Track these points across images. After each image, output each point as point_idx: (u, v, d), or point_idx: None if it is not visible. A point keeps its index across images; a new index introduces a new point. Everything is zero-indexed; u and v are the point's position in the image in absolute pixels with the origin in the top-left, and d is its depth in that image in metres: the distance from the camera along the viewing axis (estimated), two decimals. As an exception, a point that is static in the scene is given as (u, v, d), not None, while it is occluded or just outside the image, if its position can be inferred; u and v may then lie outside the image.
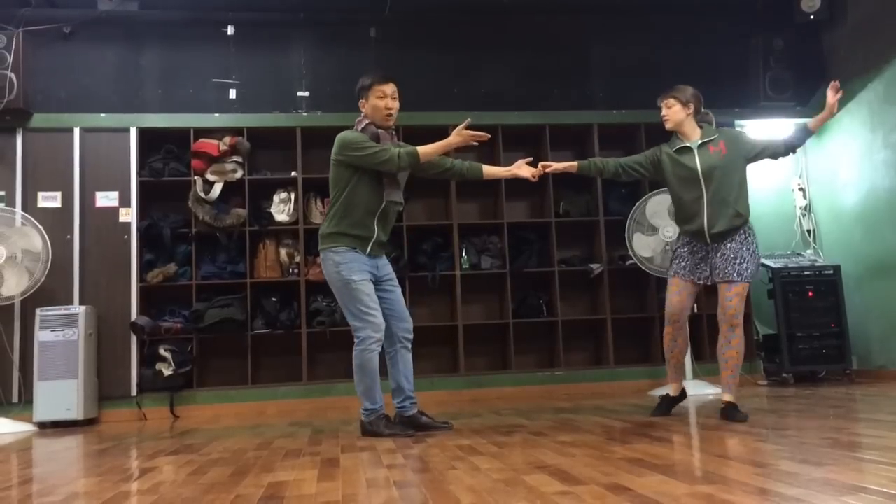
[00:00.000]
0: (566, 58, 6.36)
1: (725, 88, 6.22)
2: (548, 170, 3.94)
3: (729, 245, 3.64)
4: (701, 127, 3.80)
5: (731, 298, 3.62)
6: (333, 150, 3.67)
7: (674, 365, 3.94)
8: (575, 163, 3.99)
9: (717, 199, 3.65)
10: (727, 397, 3.66)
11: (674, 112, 3.77)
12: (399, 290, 3.80)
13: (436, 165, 3.92)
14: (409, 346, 3.79)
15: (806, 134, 3.72)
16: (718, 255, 3.67)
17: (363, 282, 3.59)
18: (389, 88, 3.68)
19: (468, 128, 3.64)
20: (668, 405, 3.92)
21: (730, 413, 3.57)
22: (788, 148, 3.75)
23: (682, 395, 3.98)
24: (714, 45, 6.39)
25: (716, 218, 3.65)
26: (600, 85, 6.36)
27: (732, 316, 3.62)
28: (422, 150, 3.62)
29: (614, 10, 6.37)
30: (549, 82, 6.32)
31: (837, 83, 3.68)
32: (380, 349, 3.62)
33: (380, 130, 3.67)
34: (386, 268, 3.79)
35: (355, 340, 3.60)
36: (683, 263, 3.79)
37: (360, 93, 3.72)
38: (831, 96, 3.66)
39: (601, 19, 6.41)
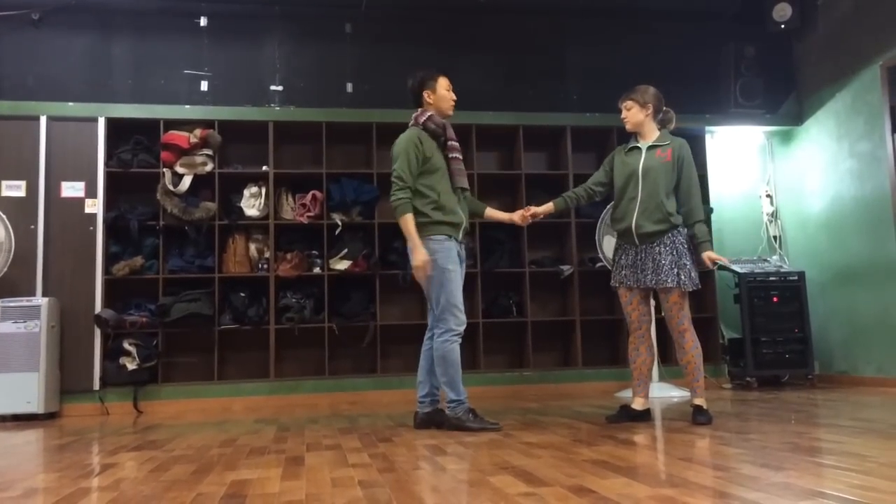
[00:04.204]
0: (542, 59, 6.39)
1: (697, 94, 6.32)
2: (529, 213, 4.03)
3: (658, 249, 3.67)
4: (661, 130, 3.84)
5: (671, 308, 3.67)
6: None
7: (636, 377, 3.81)
8: (551, 203, 4.02)
9: (650, 200, 3.69)
10: (695, 400, 3.70)
11: (632, 114, 3.83)
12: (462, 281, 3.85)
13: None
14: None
15: (694, 242, 3.73)
16: (650, 259, 3.69)
17: (456, 272, 3.70)
18: (448, 81, 3.94)
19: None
20: (627, 417, 3.76)
21: (694, 415, 3.63)
22: (686, 223, 3.73)
23: (646, 414, 3.81)
24: (687, 51, 6.46)
25: (644, 218, 3.69)
26: (575, 87, 6.40)
27: (676, 324, 3.68)
28: (406, 220, 3.65)
29: (590, 14, 6.42)
30: (524, 83, 6.34)
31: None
32: (460, 341, 3.68)
33: (444, 121, 3.84)
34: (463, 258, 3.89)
35: (436, 331, 3.69)
36: (623, 272, 3.81)
37: (424, 83, 3.88)
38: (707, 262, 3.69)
39: (577, 22, 6.45)
